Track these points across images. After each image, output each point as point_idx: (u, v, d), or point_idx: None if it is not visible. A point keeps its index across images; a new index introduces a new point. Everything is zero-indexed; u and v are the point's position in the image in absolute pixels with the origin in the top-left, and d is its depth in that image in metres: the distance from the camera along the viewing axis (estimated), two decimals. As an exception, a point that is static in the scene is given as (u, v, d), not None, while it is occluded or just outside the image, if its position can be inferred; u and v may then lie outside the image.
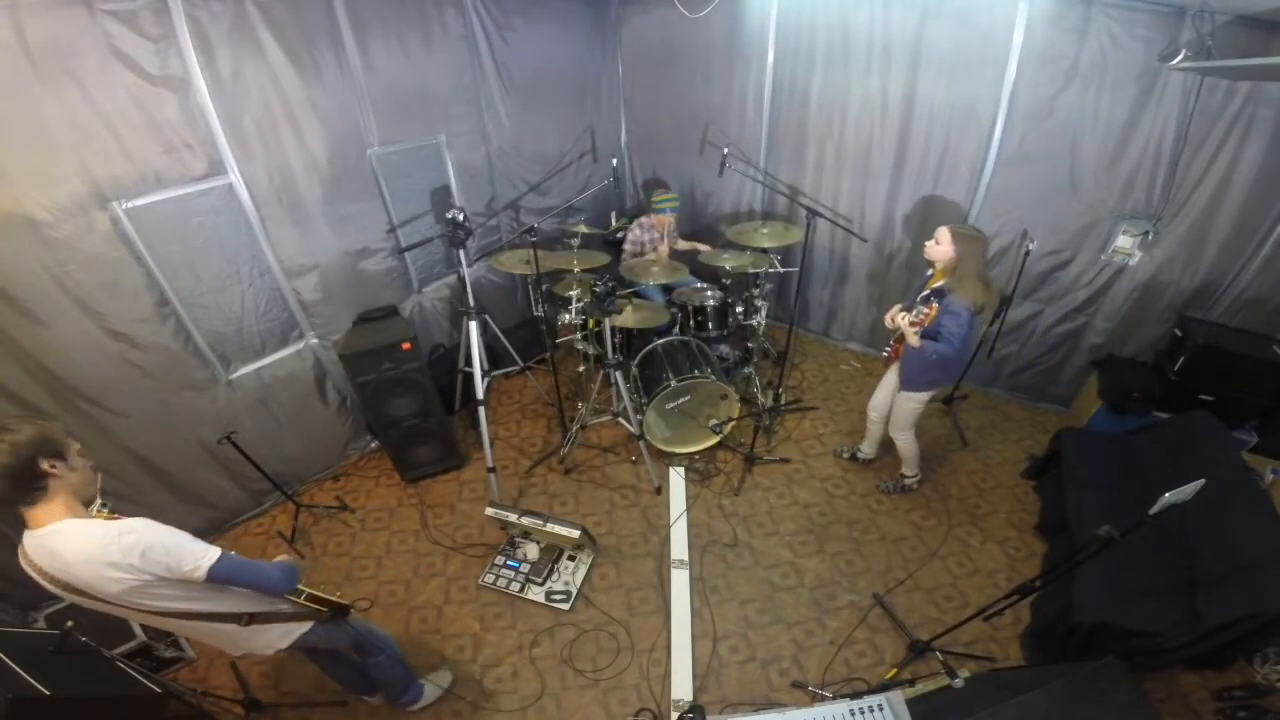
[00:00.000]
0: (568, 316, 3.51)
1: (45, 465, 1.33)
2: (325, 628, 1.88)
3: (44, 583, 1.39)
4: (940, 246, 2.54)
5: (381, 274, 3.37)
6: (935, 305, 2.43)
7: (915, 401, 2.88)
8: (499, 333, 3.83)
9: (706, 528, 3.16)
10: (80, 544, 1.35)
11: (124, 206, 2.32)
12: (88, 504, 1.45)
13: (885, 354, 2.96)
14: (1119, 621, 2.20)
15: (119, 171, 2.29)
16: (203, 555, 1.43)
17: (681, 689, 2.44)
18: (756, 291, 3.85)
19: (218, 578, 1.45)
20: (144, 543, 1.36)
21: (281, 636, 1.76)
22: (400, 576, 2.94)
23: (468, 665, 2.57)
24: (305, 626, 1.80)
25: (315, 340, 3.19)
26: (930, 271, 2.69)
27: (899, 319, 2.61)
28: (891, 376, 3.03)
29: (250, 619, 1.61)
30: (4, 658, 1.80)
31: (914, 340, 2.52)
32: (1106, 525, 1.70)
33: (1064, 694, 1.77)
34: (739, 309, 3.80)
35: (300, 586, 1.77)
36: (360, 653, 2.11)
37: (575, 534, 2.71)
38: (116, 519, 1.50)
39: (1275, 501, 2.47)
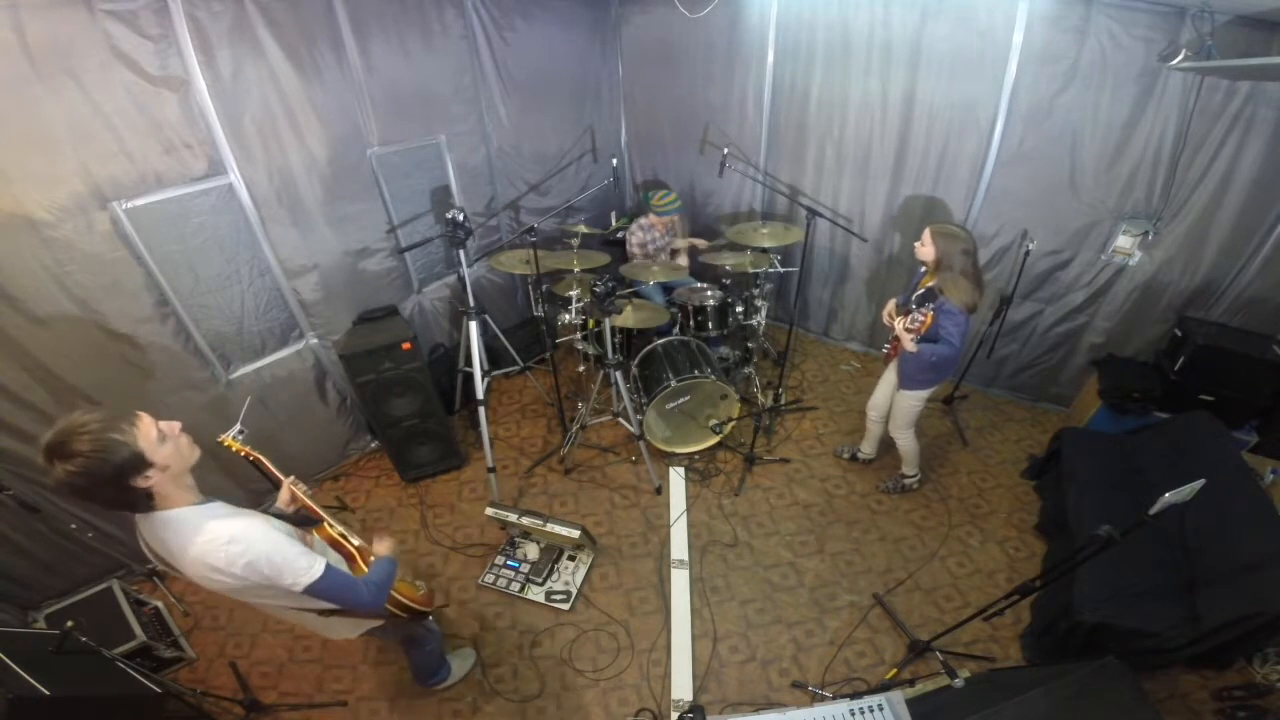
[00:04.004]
0: (568, 316, 3.51)
1: (138, 481, 1.25)
2: (394, 624, 1.90)
3: (151, 556, 1.40)
4: (925, 247, 2.56)
5: (381, 274, 3.37)
6: (930, 312, 2.43)
7: (915, 400, 2.88)
8: (499, 333, 3.83)
9: (706, 528, 3.16)
10: (187, 542, 1.32)
11: (124, 206, 2.32)
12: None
13: (884, 351, 2.96)
14: (1119, 621, 2.20)
15: (119, 171, 2.29)
16: (304, 573, 1.39)
17: (681, 689, 2.44)
18: (756, 291, 3.85)
19: (313, 593, 1.43)
20: (249, 555, 1.33)
21: (353, 628, 1.81)
22: (400, 576, 2.93)
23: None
24: (377, 622, 1.82)
25: (315, 340, 3.19)
26: (923, 270, 2.70)
27: (895, 323, 2.62)
28: (890, 375, 3.03)
29: (331, 613, 1.60)
30: (4, 658, 1.80)
31: (910, 346, 2.52)
32: (1106, 525, 1.70)
33: (1064, 694, 1.77)
34: (739, 309, 3.80)
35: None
36: (414, 645, 2.16)
37: (575, 534, 2.71)
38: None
39: (1275, 501, 2.47)
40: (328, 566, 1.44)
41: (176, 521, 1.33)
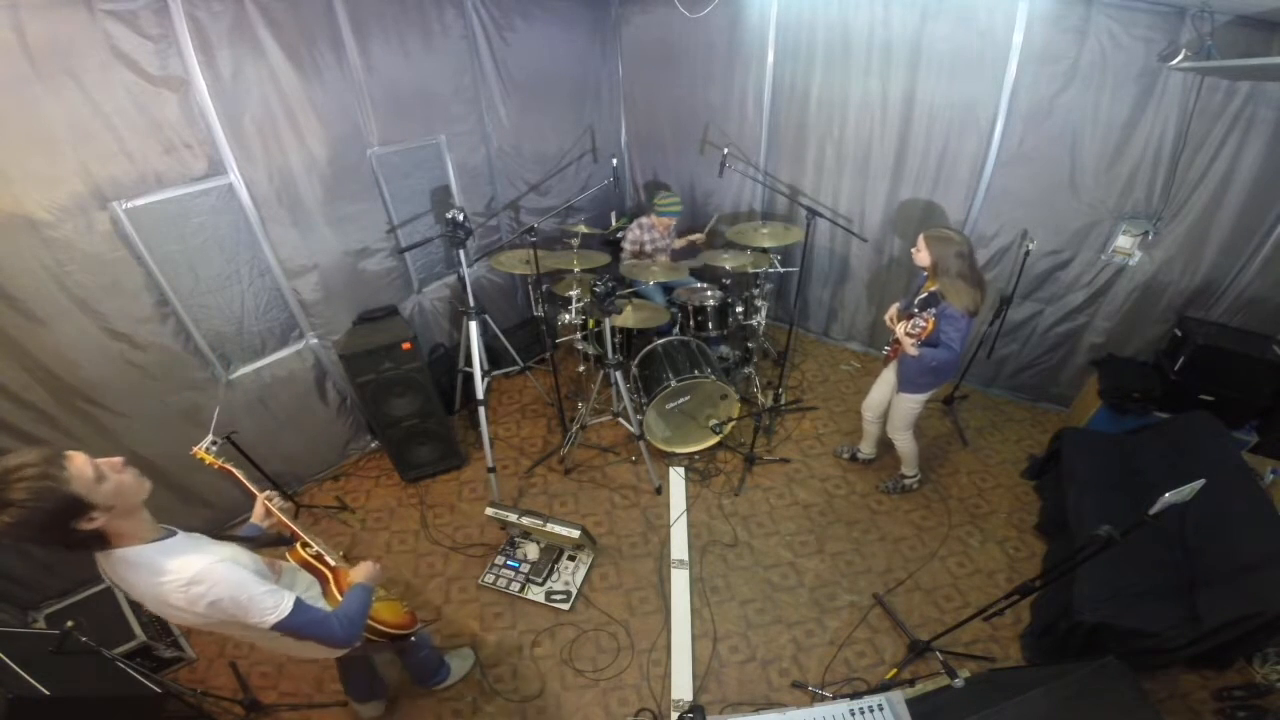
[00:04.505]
0: (568, 316, 3.52)
1: (82, 525, 1.18)
2: (374, 647, 1.85)
3: (113, 585, 1.36)
4: (920, 252, 2.57)
5: (381, 274, 3.37)
6: (932, 319, 2.43)
7: (914, 402, 2.87)
8: (499, 333, 3.83)
9: (706, 528, 3.16)
10: (144, 580, 1.27)
11: (124, 206, 2.32)
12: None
13: (885, 352, 2.96)
14: (1119, 621, 2.20)
15: (119, 171, 2.29)
16: (271, 611, 1.35)
17: (681, 689, 2.44)
18: (756, 291, 3.85)
19: (281, 630, 1.39)
20: (212, 595, 1.29)
21: (330, 650, 1.71)
22: (400, 577, 2.94)
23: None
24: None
25: (315, 340, 3.19)
26: (925, 274, 2.70)
27: (896, 327, 2.62)
28: (888, 376, 3.03)
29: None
30: (4, 658, 1.80)
31: (912, 350, 2.52)
32: (1106, 525, 1.70)
33: (1064, 694, 1.77)
34: (739, 309, 3.80)
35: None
36: (404, 653, 2.13)
37: (575, 534, 2.71)
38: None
39: (1275, 501, 2.47)
40: (296, 604, 1.40)
41: (132, 560, 1.27)
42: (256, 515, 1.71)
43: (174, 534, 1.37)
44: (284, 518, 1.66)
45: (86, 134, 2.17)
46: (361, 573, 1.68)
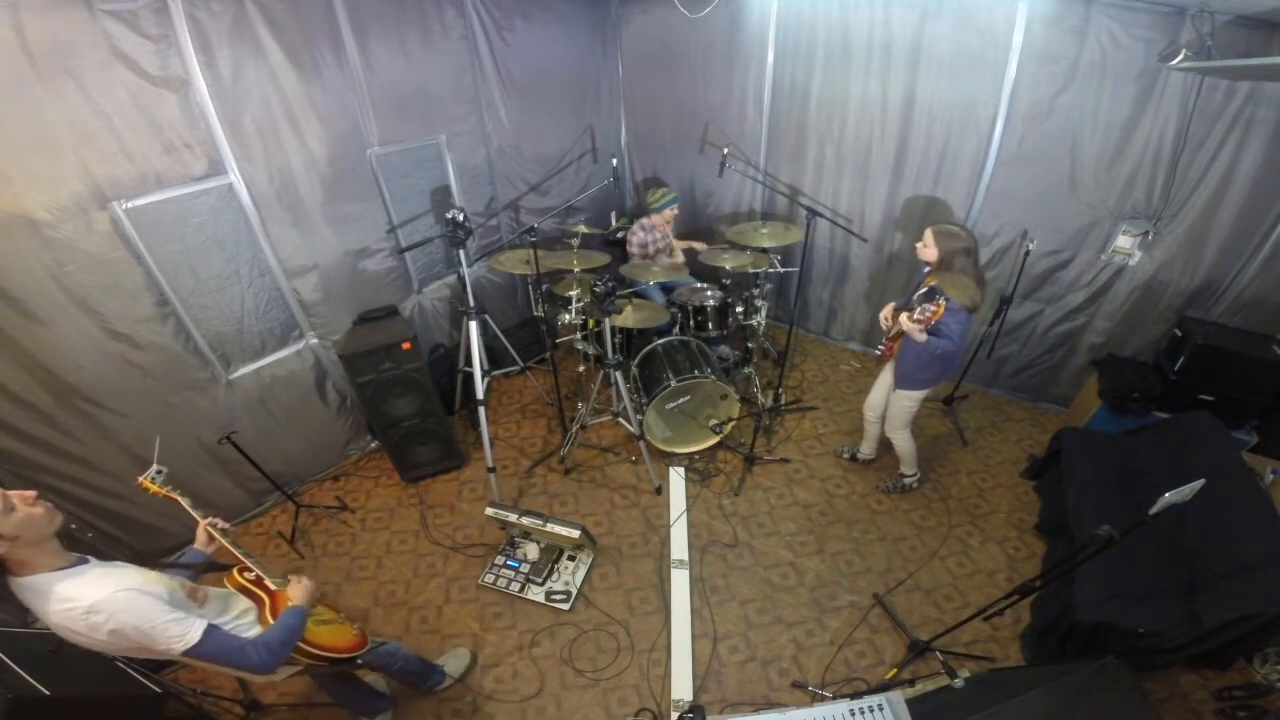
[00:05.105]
0: (568, 316, 3.52)
1: None
2: (318, 670, 1.84)
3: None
4: (927, 248, 2.57)
5: (381, 274, 3.37)
6: (942, 303, 2.40)
7: (911, 400, 2.87)
8: (499, 333, 3.83)
9: (706, 528, 3.16)
10: (46, 607, 1.29)
11: (124, 207, 2.32)
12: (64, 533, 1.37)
13: (878, 352, 2.95)
14: (1119, 621, 2.20)
15: (119, 172, 2.29)
16: (178, 640, 1.37)
17: (681, 689, 2.44)
18: (756, 291, 3.85)
19: (193, 658, 1.40)
20: (112, 624, 1.30)
21: (260, 677, 1.72)
22: (400, 576, 2.94)
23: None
24: (297, 668, 1.75)
25: (315, 340, 3.19)
26: (926, 270, 2.70)
27: (900, 319, 2.61)
28: (886, 376, 3.03)
29: None
30: (4, 658, 1.80)
31: (920, 336, 2.49)
32: (1106, 525, 1.70)
33: (1064, 694, 1.77)
34: (739, 309, 3.80)
35: (306, 635, 1.65)
36: (379, 668, 2.12)
37: (575, 534, 2.71)
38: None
39: (1275, 501, 2.47)
40: (207, 631, 1.41)
41: (34, 588, 1.29)
42: (199, 541, 1.73)
43: (85, 562, 1.39)
44: (226, 543, 1.68)
45: (86, 134, 2.18)
46: (295, 594, 1.70)
